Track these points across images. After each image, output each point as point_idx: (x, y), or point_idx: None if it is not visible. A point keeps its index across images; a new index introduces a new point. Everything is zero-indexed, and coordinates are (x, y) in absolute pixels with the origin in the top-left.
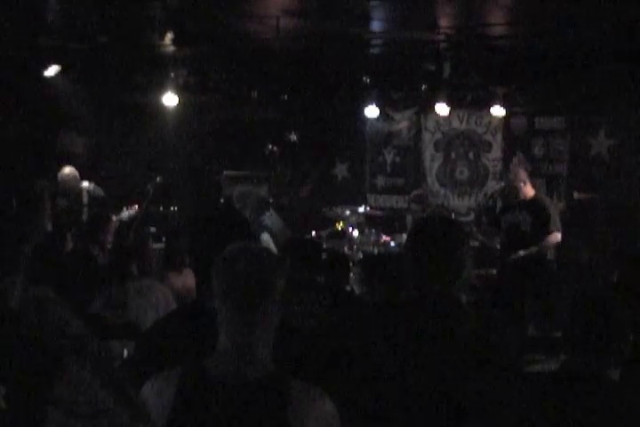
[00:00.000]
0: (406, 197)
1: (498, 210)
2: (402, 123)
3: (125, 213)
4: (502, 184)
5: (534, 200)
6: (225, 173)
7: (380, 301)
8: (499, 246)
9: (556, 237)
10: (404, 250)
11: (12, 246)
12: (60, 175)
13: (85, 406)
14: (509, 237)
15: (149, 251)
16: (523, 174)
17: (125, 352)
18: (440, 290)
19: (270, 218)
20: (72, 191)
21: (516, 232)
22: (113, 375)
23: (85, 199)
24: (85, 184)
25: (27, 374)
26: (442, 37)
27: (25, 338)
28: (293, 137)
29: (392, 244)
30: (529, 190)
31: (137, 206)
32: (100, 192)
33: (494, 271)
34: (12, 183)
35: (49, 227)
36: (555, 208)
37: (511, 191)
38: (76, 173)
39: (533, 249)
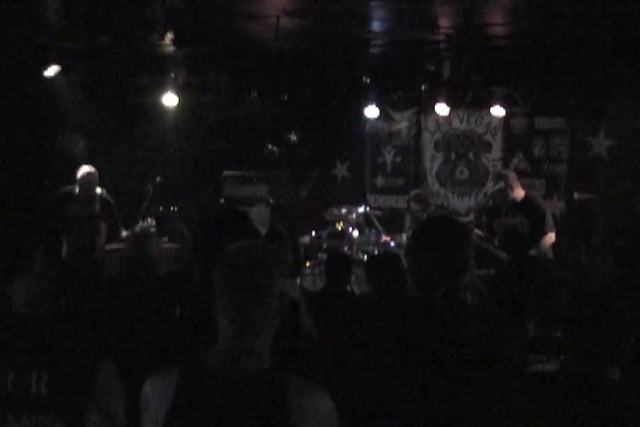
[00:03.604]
0: (406, 197)
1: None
2: (402, 123)
3: (139, 227)
4: (502, 184)
5: (527, 201)
6: (225, 173)
7: (383, 300)
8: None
9: (551, 238)
10: (406, 250)
11: (14, 249)
12: (80, 175)
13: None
14: (508, 241)
15: None
16: (512, 176)
17: None
18: (444, 290)
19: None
20: (88, 195)
21: (514, 236)
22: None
23: (97, 206)
24: (98, 190)
25: (70, 365)
26: (442, 37)
27: (72, 332)
28: (293, 137)
29: (392, 244)
30: (519, 192)
31: (152, 220)
32: (110, 199)
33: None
34: (12, 183)
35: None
36: (548, 206)
37: (501, 194)
38: (97, 176)
39: (533, 253)
